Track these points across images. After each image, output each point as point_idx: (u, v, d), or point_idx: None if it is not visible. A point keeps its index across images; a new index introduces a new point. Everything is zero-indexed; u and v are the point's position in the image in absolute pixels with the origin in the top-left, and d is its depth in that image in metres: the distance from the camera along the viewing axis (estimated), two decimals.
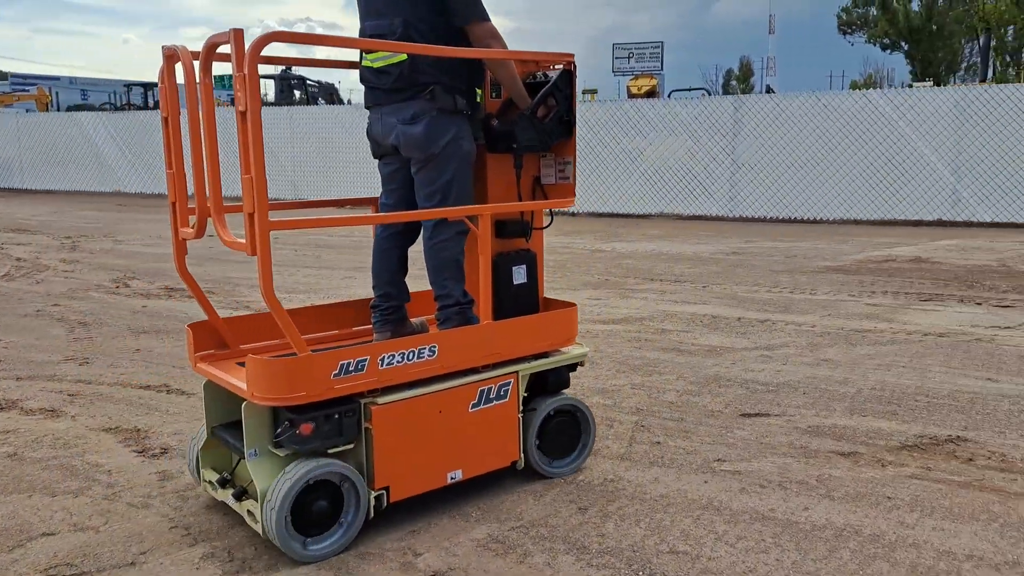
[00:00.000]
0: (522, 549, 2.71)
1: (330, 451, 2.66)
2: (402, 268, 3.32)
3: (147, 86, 28.49)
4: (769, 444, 3.63)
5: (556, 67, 3.25)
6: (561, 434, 3.26)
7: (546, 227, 3.44)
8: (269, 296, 2.43)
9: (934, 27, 64.02)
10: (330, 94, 28.12)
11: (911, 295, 6.86)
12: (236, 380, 2.71)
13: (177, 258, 2.86)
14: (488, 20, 3.00)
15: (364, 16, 3.07)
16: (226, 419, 2.90)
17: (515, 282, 3.23)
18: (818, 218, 12.17)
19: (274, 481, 2.58)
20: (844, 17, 71.73)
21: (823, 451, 3.54)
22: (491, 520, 2.92)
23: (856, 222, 11.91)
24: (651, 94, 27.75)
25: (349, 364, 2.63)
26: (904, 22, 64.66)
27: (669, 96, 21.13)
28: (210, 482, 2.92)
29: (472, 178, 3.14)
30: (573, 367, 3.32)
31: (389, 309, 3.29)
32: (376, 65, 3.00)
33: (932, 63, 65.02)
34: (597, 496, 3.11)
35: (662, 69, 37.45)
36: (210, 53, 2.49)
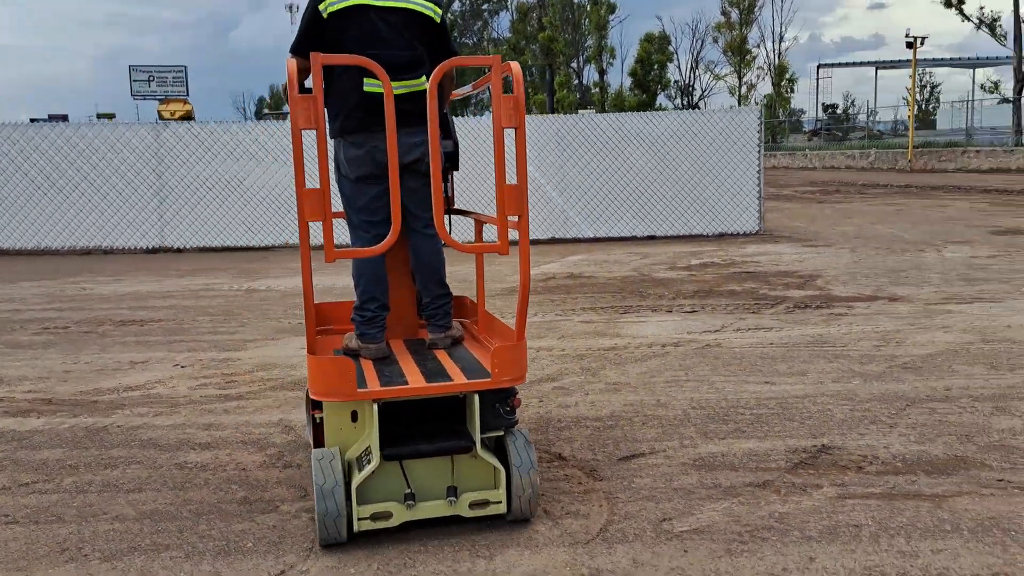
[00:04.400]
0: None
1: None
2: None
3: None
4: (684, 489, 3.29)
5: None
6: None
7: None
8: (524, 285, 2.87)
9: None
10: None
11: (607, 309, 7.14)
12: (438, 382, 2.88)
13: (309, 278, 2.80)
14: None
15: (368, 45, 3.19)
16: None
17: None
18: None
19: (517, 452, 2.92)
20: None
21: (739, 486, 3.31)
22: None
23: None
24: (186, 118, 26.28)
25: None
26: None
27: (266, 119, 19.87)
28: (373, 516, 2.83)
29: None
30: None
31: (385, 317, 3.41)
32: (400, 91, 3.16)
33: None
34: None
35: (187, 94, 36.28)
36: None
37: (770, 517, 3.02)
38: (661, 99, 59.14)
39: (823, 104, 60.81)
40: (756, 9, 52.17)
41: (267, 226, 12.30)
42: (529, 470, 2.90)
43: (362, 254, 2.96)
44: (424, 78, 3.29)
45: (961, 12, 33.26)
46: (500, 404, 2.95)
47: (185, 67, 37.36)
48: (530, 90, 62.95)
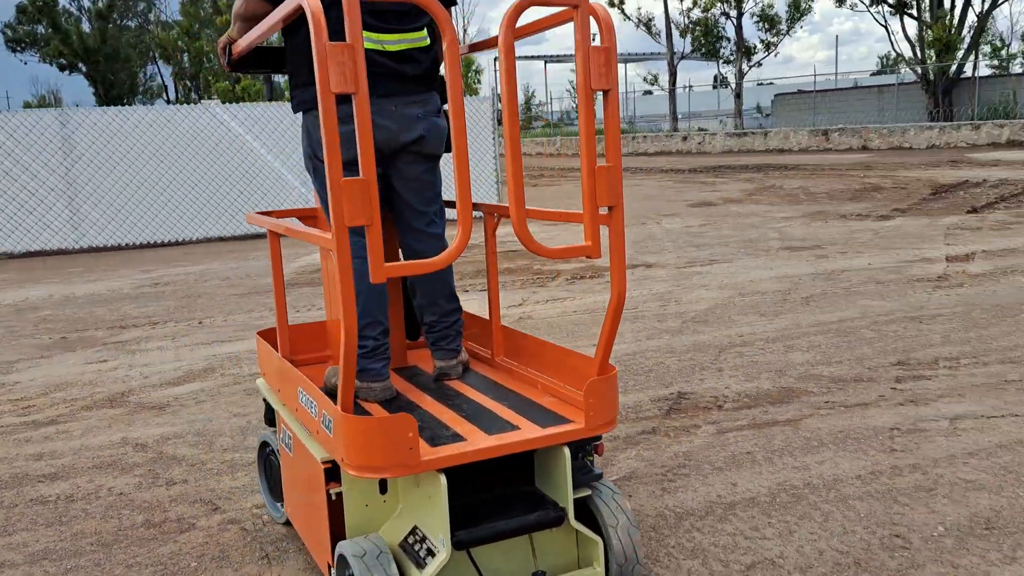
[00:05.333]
0: None
1: None
2: None
3: None
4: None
5: None
6: None
7: None
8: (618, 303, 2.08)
9: (111, 50, 64.56)
10: None
11: None
12: (511, 435, 2.13)
13: (352, 310, 1.92)
14: None
15: None
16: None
17: None
18: (181, 239, 11.39)
19: (609, 508, 2.28)
20: (10, 34, 66.67)
21: (634, 435, 3.63)
22: None
23: (222, 239, 11.57)
24: None
25: None
26: (79, 43, 63.52)
27: None
28: None
29: None
30: None
31: (388, 345, 2.58)
32: (396, 48, 2.47)
33: (115, 85, 65.61)
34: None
35: None
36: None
37: (677, 456, 3.37)
38: None
39: (499, 95, 64.42)
40: None
41: None
42: (628, 529, 2.26)
43: (425, 268, 1.89)
44: (425, 31, 2.54)
45: (623, 12, 37.17)
46: (583, 455, 2.31)
47: None
48: (211, 78, 59.55)
